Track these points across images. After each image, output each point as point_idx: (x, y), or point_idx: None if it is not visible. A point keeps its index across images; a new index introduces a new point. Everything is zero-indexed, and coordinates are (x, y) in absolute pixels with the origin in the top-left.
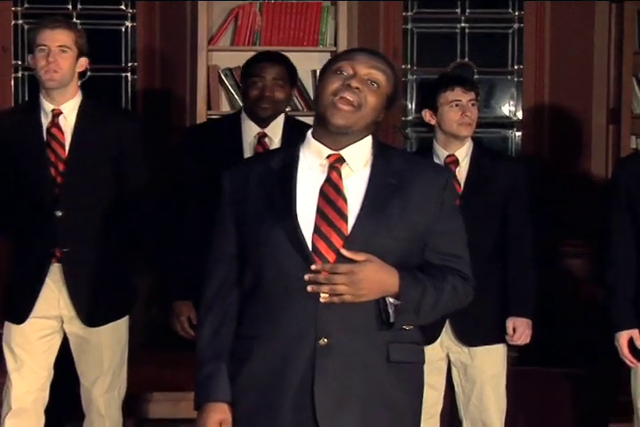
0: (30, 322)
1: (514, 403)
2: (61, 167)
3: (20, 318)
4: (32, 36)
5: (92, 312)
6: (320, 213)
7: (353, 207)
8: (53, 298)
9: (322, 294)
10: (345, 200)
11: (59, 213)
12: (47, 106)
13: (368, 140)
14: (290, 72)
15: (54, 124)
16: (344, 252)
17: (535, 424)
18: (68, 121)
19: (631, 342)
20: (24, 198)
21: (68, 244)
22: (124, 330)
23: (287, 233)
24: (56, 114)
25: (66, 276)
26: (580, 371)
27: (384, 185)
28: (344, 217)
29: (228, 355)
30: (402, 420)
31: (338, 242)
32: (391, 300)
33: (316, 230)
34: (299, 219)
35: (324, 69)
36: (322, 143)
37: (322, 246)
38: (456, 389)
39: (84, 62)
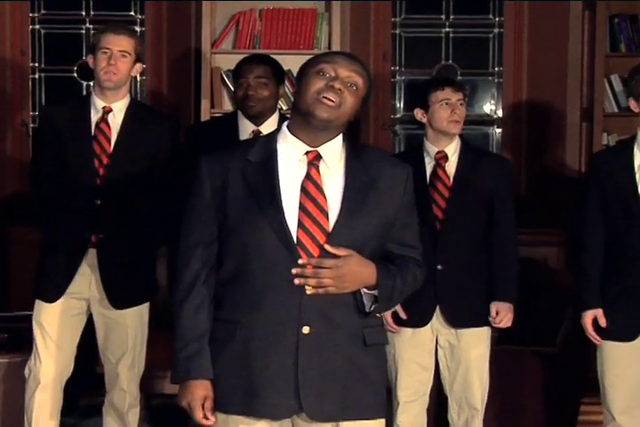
0: (61, 302)
1: (492, 380)
2: (105, 160)
3: (53, 297)
4: (96, 38)
5: (120, 296)
6: (302, 208)
7: (332, 204)
8: (85, 280)
9: (307, 287)
10: (325, 197)
11: (98, 202)
12: (99, 103)
13: (340, 138)
14: (274, 70)
15: (103, 119)
16: (328, 248)
17: (511, 400)
18: (116, 118)
19: (596, 322)
20: (67, 186)
21: (104, 230)
22: (146, 314)
23: (273, 226)
24: (106, 111)
25: (99, 260)
26: (553, 350)
27: (358, 183)
28: (324, 213)
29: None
30: (379, 395)
31: (321, 238)
32: (366, 291)
33: (301, 226)
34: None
35: (305, 69)
36: (299, 139)
37: (306, 241)
38: (442, 368)
39: (138, 68)
